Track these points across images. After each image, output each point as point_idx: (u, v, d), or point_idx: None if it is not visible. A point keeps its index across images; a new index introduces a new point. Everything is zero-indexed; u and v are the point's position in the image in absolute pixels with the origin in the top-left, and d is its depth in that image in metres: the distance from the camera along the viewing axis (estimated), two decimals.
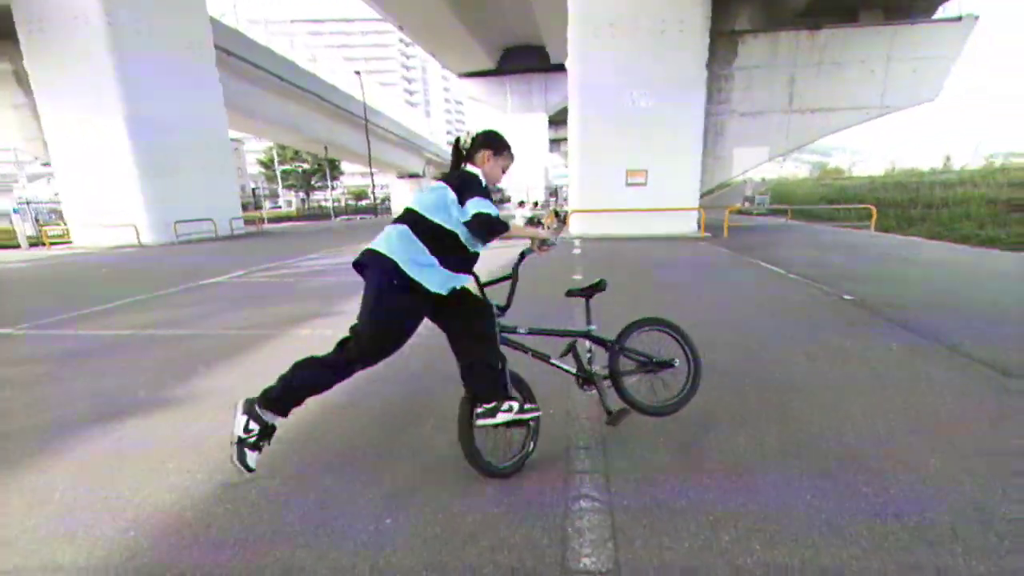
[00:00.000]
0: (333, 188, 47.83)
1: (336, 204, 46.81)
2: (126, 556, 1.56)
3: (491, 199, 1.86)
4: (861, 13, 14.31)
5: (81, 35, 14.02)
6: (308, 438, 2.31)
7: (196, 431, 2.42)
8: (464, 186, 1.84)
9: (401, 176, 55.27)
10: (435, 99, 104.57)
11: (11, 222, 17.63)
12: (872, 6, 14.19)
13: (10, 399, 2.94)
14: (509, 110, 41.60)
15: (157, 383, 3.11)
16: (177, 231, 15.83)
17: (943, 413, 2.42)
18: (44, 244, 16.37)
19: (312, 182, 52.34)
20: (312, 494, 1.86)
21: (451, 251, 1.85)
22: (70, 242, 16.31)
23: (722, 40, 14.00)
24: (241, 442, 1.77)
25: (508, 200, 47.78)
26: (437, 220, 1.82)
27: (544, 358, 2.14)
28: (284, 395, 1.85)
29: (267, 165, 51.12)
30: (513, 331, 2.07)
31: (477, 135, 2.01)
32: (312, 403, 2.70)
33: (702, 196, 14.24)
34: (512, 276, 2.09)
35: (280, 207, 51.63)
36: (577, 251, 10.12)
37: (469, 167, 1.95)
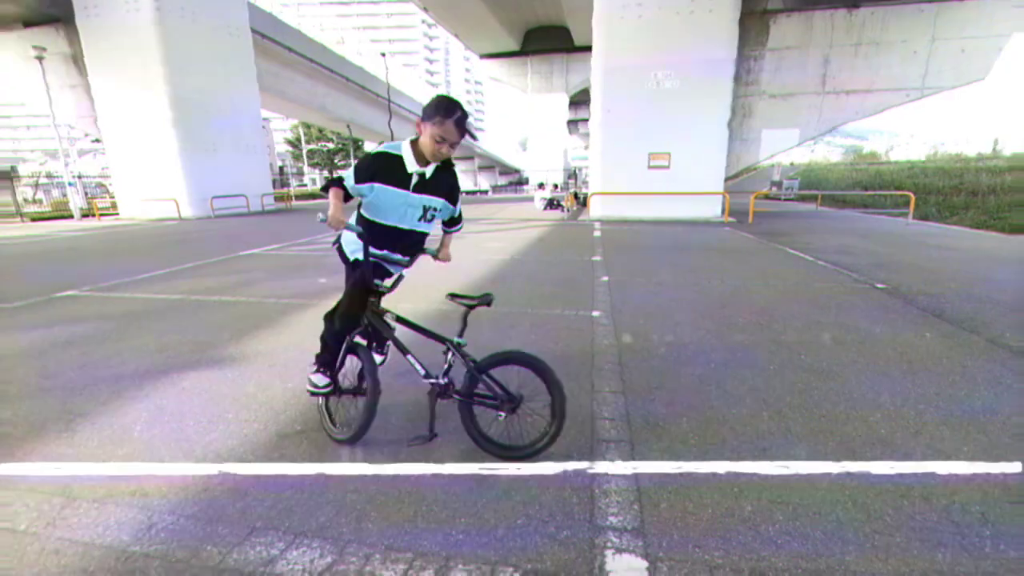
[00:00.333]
0: None
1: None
2: (200, 488, 1.75)
3: (361, 171, 1.89)
4: None
5: (132, 20, 14.87)
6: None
7: (251, 387, 2.62)
8: None
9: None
10: (456, 79, 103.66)
11: (65, 194, 18.66)
12: None
13: (88, 352, 3.23)
14: (529, 90, 40.86)
15: (211, 343, 3.36)
16: (213, 206, 16.56)
17: (978, 404, 2.39)
18: (95, 215, 17.27)
19: (335, 160, 52.98)
20: (358, 447, 2.01)
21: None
22: (117, 214, 17.21)
23: (753, 20, 13.47)
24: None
25: (526, 182, 47.34)
26: None
27: (402, 349, 2.03)
28: None
29: (294, 144, 51.94)
30: (384, 314, 2.07)
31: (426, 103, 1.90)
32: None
33: (727, 180, 13.88)
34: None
35: (305, 185, 52.57)
36: (597, 234, 10.07)
37: (402, 142, 1.93)
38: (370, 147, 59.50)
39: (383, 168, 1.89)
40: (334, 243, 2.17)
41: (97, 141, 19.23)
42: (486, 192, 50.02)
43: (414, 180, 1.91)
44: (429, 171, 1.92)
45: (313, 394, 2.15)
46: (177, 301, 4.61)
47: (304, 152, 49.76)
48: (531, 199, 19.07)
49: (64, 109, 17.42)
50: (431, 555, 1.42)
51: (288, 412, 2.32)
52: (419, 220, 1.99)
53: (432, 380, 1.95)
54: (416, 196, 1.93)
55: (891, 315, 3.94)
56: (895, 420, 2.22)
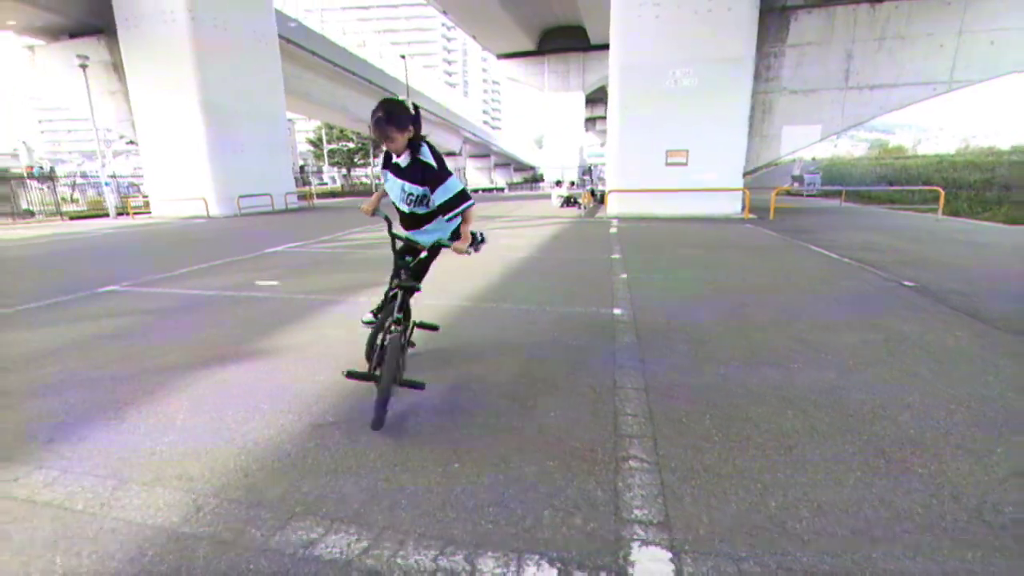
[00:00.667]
0: (374, 166, 48.97)
1: (377, 181, 48.01)
2: (241, 474, 1.84)
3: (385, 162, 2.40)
4: None
5: (168, 31, 15.76)
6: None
7: (283, 379, 2.73)
8: None
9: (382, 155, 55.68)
10: (473, 79, 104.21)
11: (100, 193, 19.74)
12: None
13: (132, 344, 3.40)
14: (546, 89, 40.85)
15: (244, 337, 3.50)
16: (240, 205, 17.16)
17: (1012, 406, 2.33)
18: (128, 214, 18.02)
19: (355, 160, 53.81)
20: (387, 437, 2.08)
21: None
22: (149, 213, 17.94)
23: (772, 17, 13.27)
24: None
25: (541, 179, 47.25)
26: None
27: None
28: None
29: (316, 144, 53.00)
30: (408, 289, 2.48)
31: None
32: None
33: (745, 175, 13.67)
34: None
35: (326, 183, 53.55)
36: (614, 231, 10.02)
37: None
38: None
39: (387, 158, 2.37)
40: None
41: (132, 143, 20.15)
42: (502, 190, 50.12)
43: (398, 168, 2.34)
44: (403, 161, 2.30)
45: (365, 323, 2.70)
46: (211, 297, 4.79)
47: (325, 151, 50.69)
48: (547, 196, 19.09)
49: (104, 113, 18.40)
50: (461, 542, 1.48)
51: (320, 404, 2.41)
52: (410, 204, 2.38)
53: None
54: (399, 181, 2.34)
55: (920, 314, 3.85)
56: (924, 420, 2.19)
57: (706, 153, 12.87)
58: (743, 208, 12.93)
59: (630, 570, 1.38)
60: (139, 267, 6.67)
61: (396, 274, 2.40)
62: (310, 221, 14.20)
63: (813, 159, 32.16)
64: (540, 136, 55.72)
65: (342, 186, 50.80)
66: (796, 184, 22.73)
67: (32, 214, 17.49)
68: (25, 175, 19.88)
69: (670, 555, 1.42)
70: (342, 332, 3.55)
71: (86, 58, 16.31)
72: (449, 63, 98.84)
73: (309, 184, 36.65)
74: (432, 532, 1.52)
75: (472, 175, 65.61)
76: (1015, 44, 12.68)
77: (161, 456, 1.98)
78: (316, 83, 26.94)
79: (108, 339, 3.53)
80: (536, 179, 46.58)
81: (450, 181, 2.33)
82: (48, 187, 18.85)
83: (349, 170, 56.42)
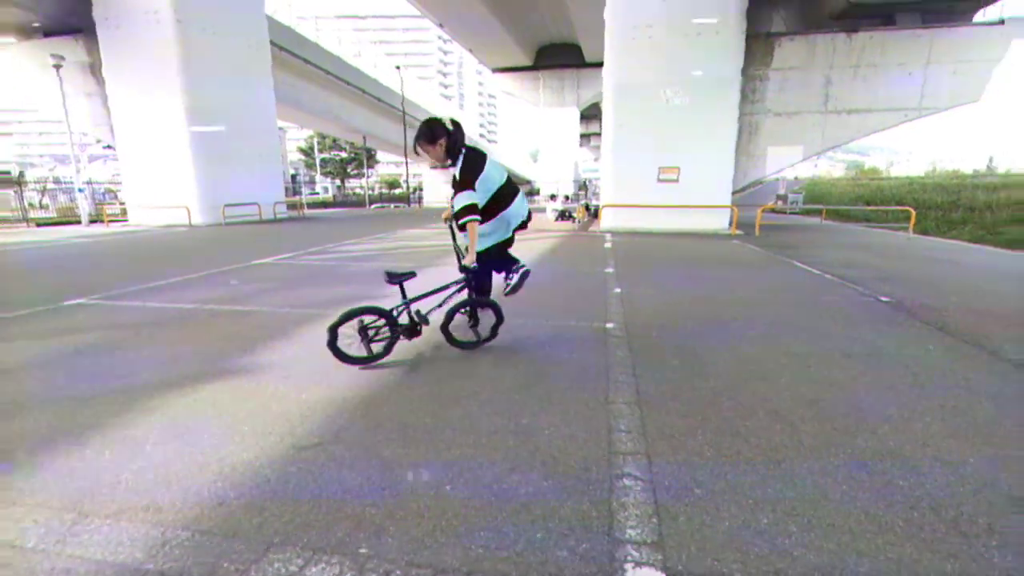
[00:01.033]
0: (368, 176, 48.84)
1: (370, 192, 47.85)
2: (216, 502, 1.76)
3: None
4: (898, 17, 13.94)
5: (152, 33, 15.32)
6: (368, 408, 2.50)
7: (265, 398, 2.64)
8: None
9: (433, 167, 55.82)
10: (469, 92, 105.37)
11: (73, 199, 19.24)
12: (910, 10, 13.78)
13: (97, 363, 3.24)
14: (541, 104, 41.53)
15: (224, 354, 3.38)
16: (225, 214, 16.80)
17: (981, 416, 2.42)
18: (103, 221, 17.49)
19: (348, 170, 53.65)
20: (375, 460, 2.04)
21: None
22: (126, 220, 17.44)
23: (758, 42, 13.96)
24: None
25: (537, 192, 47.72)
26: None
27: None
28: None
29: (307, 153, 52.75)
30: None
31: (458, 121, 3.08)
32: (368, 377, 2.93)
33: (734, 193, 14.11)
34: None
35: (318, 193, 53.17)
36: (608, 245, 10.14)
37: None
38: (383, 157, 60.47)
39: None
40: None
41: (109, 147, 19.68)
42: None
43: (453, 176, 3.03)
44: (453, 169, 3.02)
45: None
46: (189, 311, 4.64)
47: (317, 161, 50.47)
48: (542, 210, 19.25)
49: (79, 116, 17.84)
50: (452, 570, 1.44)
51: (305, 425, 2.34)
52: (453, 208, 3.08)
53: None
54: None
55: (896, 328, 3.97)
56: (903, 432, 2.24)
57: (696, 171, 13.27)
58: (731, 224, 13.23)
59: None
60: (111, 278, 6.39)
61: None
62: (300, 232, 14.02)
63: (796, 178, 33.14)
64: (535, 150, 56.36)
65: (334, 196, 50.58)
66: (780, 202, 23.36)
67: None
68: None
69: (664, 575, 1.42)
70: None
71: (61, 58, 15.79)
72: (445, 75, 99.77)
73: (300, 194, 36.36)
74: (421, 561, 1.47)
75: None
76: (975, 75, 13.53)
77: (126, 485, 1.86)
78: (309, 91, 26.81)
79: (71, 357, 3.34)
80: (532, 192, 47.05)
81: (463, 194, 2.82)
82: (15, 192, 18.30)
83: (343, 180, 56.15)
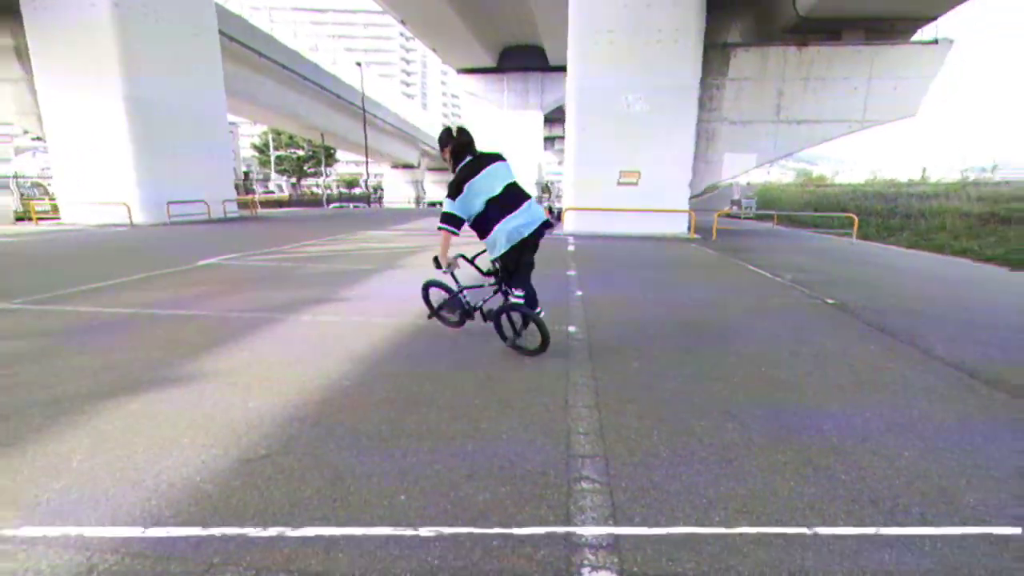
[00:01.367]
0: (326, 175, 47.39)
1: (328, 191, 46.43)
2: (150, 522, 1.63)
3: None
4: (844, 33, 14.90)
5: (87, 16, 14.11)
6: (320, 416, 2.40)
7: (208, 408, 2.47)
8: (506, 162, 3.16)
9: (395, 166, 54.96)
10: (432, 92, 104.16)
11: None
12: (854, 27, 14.75)
13: (20, 372, 2.95)
14: (505, 107, 41.67)
15: (164, 361, 3.16)
16: (170, 212, 15.79)
17: (915, 411, 2.58)
18: (31, 219, 16.05)
19: (305, 168, 51.81)
20: (327, 471, 1.94)
21: None
22: (58, 218, 16.11)
23: (715, 52, 14.52)
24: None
25: None
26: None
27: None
28: None
29: (261, 150, 50.49)
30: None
31: (465, 128, 3.03)
32: (321, 383, 2.81)
33: (692, 198, 14.60)
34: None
35: (272, 192, 51.04)
36: (571, 248, 10.25)
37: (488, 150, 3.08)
38: (343, 156, 58.85)
39: None
40: None
41: (38, 139, 18.05)
42: None
43: None
44: None
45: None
46: (126, 315, 4.31)
47: (272, 158, 48.42)
48: None
49: (3, 104, 16.31)
50: None
51: (251, 435, 2.21)
52: None
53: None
54: None
55: (840, 329, 4.20)
56: (845, 428, 2.36)
57: (656, 175, 13.62)
58: (689, 228, 13.69)
59: None
60: (38, 280, 5.89)
61: None
62: (252, 232, 13.41)
63: (749, 184, 34.77)
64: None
65: (290, 195, 48.68)
66: (735, 207, 24.46)
67: None
68: None
69: None
70: (282, 353, 3.33)
71: None
72: (408, 74, 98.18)
73: (253, 192, 34.80)
74: (373, 574, 1.42)
75: (431, 189, 65.03)
76: (912, 91, 14.63)
77: (48, 506, 1.70)
78: (264, 86, 25.66)
79: None
80: None
81: (445, 201, 3.00)
82: None
83: (299, 179, 54.15)
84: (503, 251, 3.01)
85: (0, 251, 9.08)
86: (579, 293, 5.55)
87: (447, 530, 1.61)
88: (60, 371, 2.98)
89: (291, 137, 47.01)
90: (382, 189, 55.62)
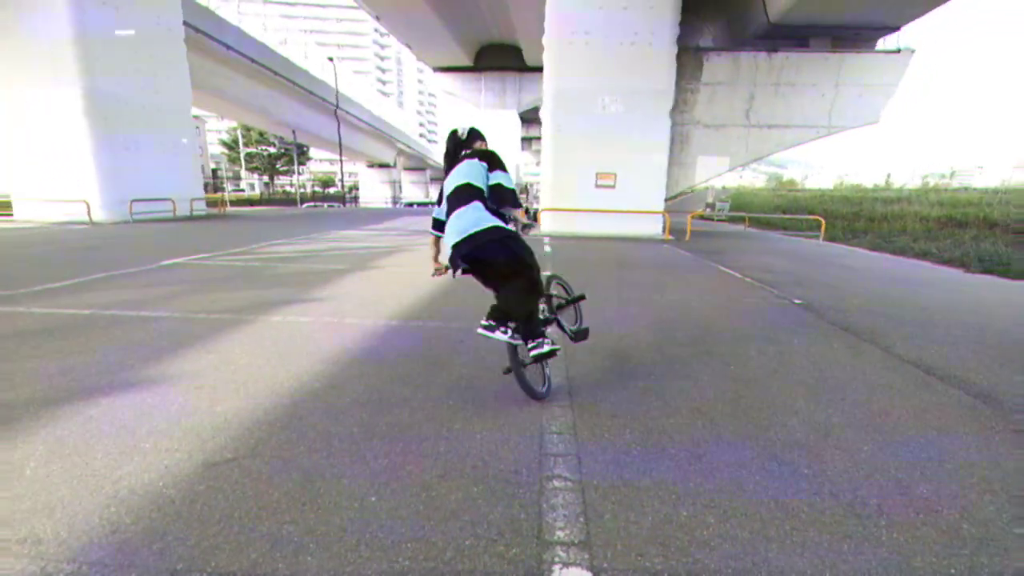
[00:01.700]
0: (299, 174, 46.29)
1: (302, 190, 45.37)
2: (108, 530, 1.56)
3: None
4: (812, 40, 15.47)
5: (42, 3, 13.42)
6: (290, 419, 2.34)
7: (172, 412, 2.39)
8: (493, 161, 2.50)
9: (371, 165, 54.20)
10: (409, 91, 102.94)
11: None
12: (822, 35, 15.34)
13: None
14: (482, 106, 41.55)
15: (125, 364, 3.02)
16: (133, 210, 15.17)
17: (874, 406, 2.70)
18: None
19: (278, 166, 50.45)
20: (296, 473, 1.90)
21: (494, 211, 2.44)
22: (11, 215, 15.27)
23: (688, 56, 14.81)
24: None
25: None
26: (483, 187, 2.43)
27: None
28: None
29: (230, 146, 48.85)
30: None
31: (471, 129, 2.61)
32: (292, 385, 2.75)
33: (667, 200, 14.85)
34: None
35: (243, 190, 49.53)
36: (548, 249, 10.31)
37: (484, 148, 2.58)
38: (316, 154, 57.56)
39: None
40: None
41: None
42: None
43: None
44: None
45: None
46: (85, 317, 4.11)
47: (242, 155, 46.96)
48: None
49: None
50: None
51: (218, 439, 2.15)
52: None
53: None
54: None
55: (806, 328, 4.36)
56: (809, 424, 2.45)
57: (632, 177, 13.79)
58: (664, 230, 13.94)
59: None
60: None
61: None
62: (220, 231, 12.98)
63: (723, 187, 35.71)
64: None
65: (261, 194, 47.34)
66: (709, 210, 25.05)
67: None
68: None
69: (590, 575, 1.43)
70: (250, 355, 3.24)
71: None
72: (383, 71, 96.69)
73: (222, 190, 33.74)
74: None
75: (408, 189, 64.35)
76: (875, 98, 15.28)
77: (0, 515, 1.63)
78: (233, 80, 24.92)
79: None
80: None
81: None
82: None
83: (271, 177, 52.71)
84: (455, 264, 2.48)
85: None
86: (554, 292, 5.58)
87: (418, 531, 1.59)
88: (13, 375, 2.82)
89: (261, 134, 45.71)
90: (357, 188, 54.71)
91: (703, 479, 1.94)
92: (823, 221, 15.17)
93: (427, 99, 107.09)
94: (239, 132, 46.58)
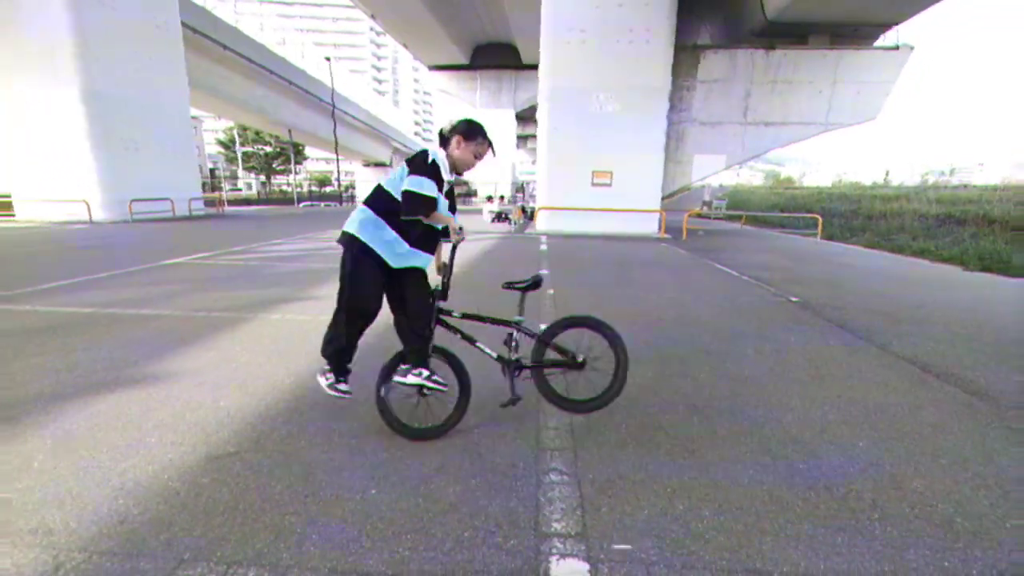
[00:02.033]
0: (296, 173, 46.24)
1: (299, 190, 45.31)
2: (116, 520, 1.60)
3: (437, 179, 2.06)
4: (810, 37, 15.42)
5: (39, 3, 13.46)
6: (291, 414, 2.37)
7: (177, 407, 2.43)
8: (412, 164, 2.07)
9: (367, 164, 54.12)
10: (404, 89, 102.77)
11: None
12: (820, 32, 15.29)
13: None
14: (478, 105, 41.46)
15: (129, 361, 3.06)
16: (132, 210, 15.20)
17: (870, 403, 2.73)
18: None
19: (274, 165, 50.35)
20: (297, 467, 1.93)
21: (410, 224, 2.09)
22: (12, 215, 15.29)
23: (685, 53, 14.76)
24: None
25: (475, 194, 47.73)
26: (391, 191, 2.10)
27: (470, 340, 2.32)
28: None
29: (227, 146, 48.73)
30: (449, 314, 2.31)
31: (457, 122, 2.20)
32: (291, 382, 2.77)
33: (663, 199, 14.87)
34: (447, 264, 2.32)
35: (240, 189, 49.43)
36: (544, 247, 10.34)
37: (436, 150, 2.14)
38: (313, 153, 57.39)
39: (439, 174, 2.08)
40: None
41: None
42: None
43: (446, 187, 2.16)
44: (452, 180, 2.20)
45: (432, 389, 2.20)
46: (88, 315, 4.15)
47: (239, 155, 46.87)
48: (479, 211, 19.31)
49: None
50: (377, 574, 1.40)
51: (221, 433, 2.18)
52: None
53: (501, 360, 2.28)
54: (444, 201, 2.15)
55: (803, 326, 4.39)
56: (804, 421, 2.48)
57: (628, 175, 13.79)
58: (660, 228, 13.97)
59: None
60: None
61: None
62: (219, 230, 13.01)
63: (720, 186, 35.80)
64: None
65: (259, 193, 47.24)
66: (705, 208, 25.09)
67: None
68: None
69: (587, 567, 1.46)
70: (250, 353, 3.27)
71: None
72: (379, 70, 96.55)
73: (220, 189, 33.71)
74: (345, 567, 1.43)
75: None
76: (873, 95, 15.25)
77: (10, 507, 1.66)
78: (230, 80, 24.91)
79: None
80: (469, 194, 46.97)
81: None
82: None
83: (268, 176, 52.61)
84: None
85: None
86: (551, 291, 5.62)
87: (418, 523, 1.62)
88: (19, 372, 2.86)
89: (258, 133, 45.60)
90: (354, 187, 54.65)
91: (698, 473, 1.97)
92: (820, 219, 15.21)
93: (423, 98, 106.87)
94: (235, 132, 46.48)
